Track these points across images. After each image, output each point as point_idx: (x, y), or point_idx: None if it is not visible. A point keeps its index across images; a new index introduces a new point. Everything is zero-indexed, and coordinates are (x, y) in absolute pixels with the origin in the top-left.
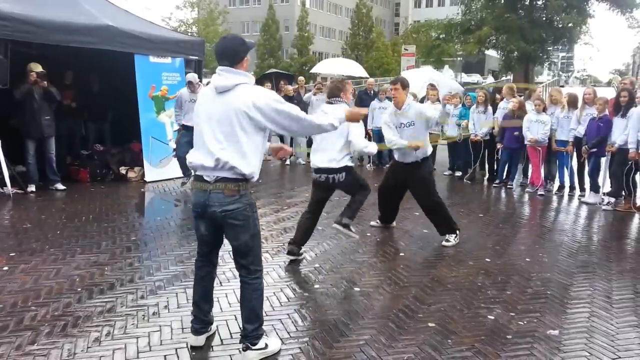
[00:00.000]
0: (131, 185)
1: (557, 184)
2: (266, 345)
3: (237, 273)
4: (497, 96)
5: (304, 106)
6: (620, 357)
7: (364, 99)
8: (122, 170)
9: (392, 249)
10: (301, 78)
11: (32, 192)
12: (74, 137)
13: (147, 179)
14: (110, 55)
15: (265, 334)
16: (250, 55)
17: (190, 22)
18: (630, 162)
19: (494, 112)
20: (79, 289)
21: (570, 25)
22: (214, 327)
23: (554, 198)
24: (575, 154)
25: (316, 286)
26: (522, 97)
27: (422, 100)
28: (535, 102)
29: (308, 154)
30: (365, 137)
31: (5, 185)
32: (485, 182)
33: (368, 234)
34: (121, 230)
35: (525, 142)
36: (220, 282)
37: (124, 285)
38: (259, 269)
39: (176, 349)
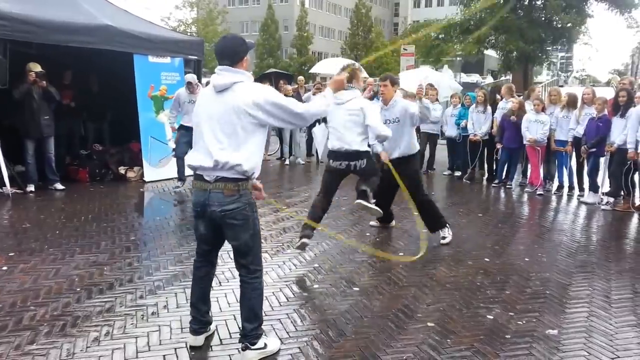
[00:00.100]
0: (130, 185)
1: (556, 183)
2: (265, 345)
3: (236, 273)
4: (497, 97)
5: None
6: (618, 357)
7: None
8: (121, 170)
9: (391, 249)
10: (301, 78)
11: (31, 192)
12: (73, 137)
13: (146, 178)
14: (109, 55)
15: (264, 334)
16: (250, 55)
17: (190, 22)
18: (629, 162)
19: (493, 112)
20: (78, 289)
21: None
22: (212, 327)
23: (553, 198)
24: (574, 153)
25: (315, 286)
26: (521, 97)
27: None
28: (534, 102)
29: (307, 155)
30: None
31: (5, 185)
32: (485, 182)
33: (367, 234)
34: (120, 230)
35: (524, 142)
36: (220, 282)
37: (123, 285)
38: (258, 269)
39: (175, 349)
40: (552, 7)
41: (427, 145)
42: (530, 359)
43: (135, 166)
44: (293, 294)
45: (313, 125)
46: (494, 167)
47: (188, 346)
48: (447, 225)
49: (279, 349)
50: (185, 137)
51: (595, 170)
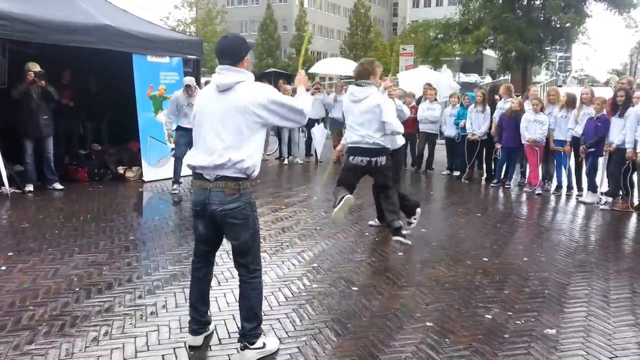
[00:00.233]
0: (129, 184)
1: (554, 183)
2: (264, 344)
3: (235, 273)
4: (496, 97)
5: None
6: (617, 357)
7: None
8: (120, 170)
9: (390, 249)
10: None
11: (30, 191)
12: (72, 137)
13: (145, 178)
14: (108, 55)
15: (263, 333)
16: (249, 55)
17: (189, 22)
18: (627, 162)
19: (492, 112)
20: (77, 289)
21: (568, 25)
22: (211, 327)
23: (552, 198)
24: (572, 153)
25: (314, 285)
26: (520, 97)
27: (419, 100)
28: (533, 101)
29: (306, 154)
30: None
31: (3, 185)
32: (483, 182)
33: (366, 234)
34: (119, 230)
35: (523, 142)
36: (219, 282)
37: (122, 284)
38: (258, 268)
39: (174, 349)
40: (551, 7)
41: (426, 145)
42: (529, 359)
43: (134, 166)
44: (292, 293)
45: (312, 125)
46: (493, 167)
47: (187, 346)
48: (405, 218)
49: (278, 349)
50: (184, 138)
51: (594, 170)
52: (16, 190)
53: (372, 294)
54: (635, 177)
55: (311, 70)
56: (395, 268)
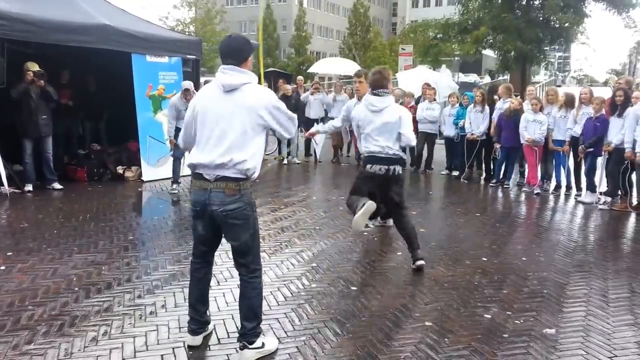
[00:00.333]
0: (128, 184)
1: (553, 183)
2: (263, 344)
3: (234, 272)
4: (495, 97)
5: (302, 105)
6: (616, 356)
7: None
8: (119, 169)
9: (388, 248)
10: (300, 77)
11: (29, 191)
12: (71, 137)
13: (144, 178)
14: (107, 55)
15: (262, 333)
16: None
17: (188, 22)
18: (626, 162)
19: (491, 112)
20: (76, 289)
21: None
22: (210, 326)
23: (551, 197)
24: (571, 153)
25: (313, 285)
26: (518, 97)
27: (418, 100)
28: (532, 101)
29: (305, 154)
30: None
31: (2, 185)
32: (482, 182)
33: (365, 234)
34: (118, 230)
35: (522, 142)
36: (218, 282)
37: (121, 284)
38: (258, 268)
39: (173, 349)
40: (550, 7)
41: (425, 145)
42: (528, 358)
43: (133, 166)
44: (291, 293)
45: (311, 125)
46: (492, 167)
47: (186, 346)
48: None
49: (277, 349)
50: None
51: (593, 169)
52: (15, 190)
53: (371, 294)
54: (634, 177)
55: (310, 70)
56: (394, 268)
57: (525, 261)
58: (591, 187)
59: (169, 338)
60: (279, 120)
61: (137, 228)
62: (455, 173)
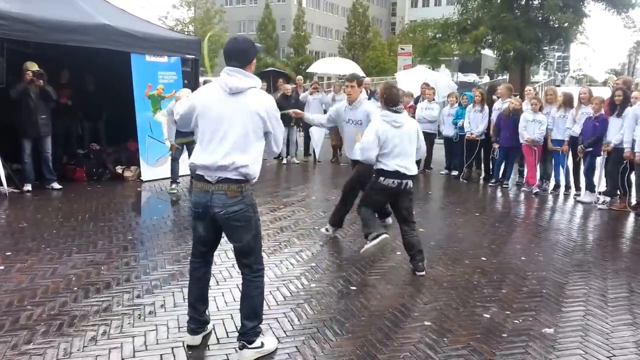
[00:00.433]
0: (127, 184)
1: (552, 183)
2: (262, 344)
3: (233, 272)
4: (494, 97)
5: (301, 105)
6: (615, 355)
7: None
8: (119, 169)
9: (388, 248)
10: (299, 77)
11: (28, 191)
12: (70, 136)
13: (143, 178)
14: (106, 54)
15: (261, 333)
16: None
17: (187, 21)
18: (625, 162)
19: (490, 111)
20: (75, 288)
21: (566, 24)
22: (210, 326)
23: (550, 197)
24: (570, 153)
25: (312, 285)
26: (517, 97)
27: (417, 100)
28: (531, 101)
29: (304, 154)
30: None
31: (1, 184)
32: (481, 182)
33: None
34: (117, 230)
35: (521, 142)
36: (217, 282)
37: (120, 284)
38: (261, 268)
39: (172, 348)
40: (549, 7)
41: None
42: (527, 358)
43: (132, 165)
44: (290, 293)
45: (310, 125)
46: (491, 167)
47: (185, 345)
48: (333, 228)
49: (276, 348)
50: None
51: (592, 169)
52: (14, 190)
53: (370, 294)
54: (632, 176)
55: (309, 70)
56: (393, 268)
57: (524, 261)
58: (590, 187)
59: (168, 338)
60: (275, 127)
61: (136, 228)
62: (455, 173)
